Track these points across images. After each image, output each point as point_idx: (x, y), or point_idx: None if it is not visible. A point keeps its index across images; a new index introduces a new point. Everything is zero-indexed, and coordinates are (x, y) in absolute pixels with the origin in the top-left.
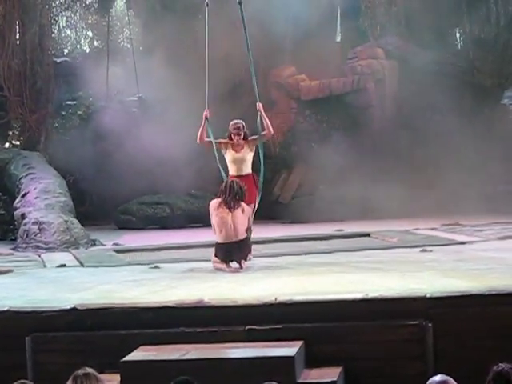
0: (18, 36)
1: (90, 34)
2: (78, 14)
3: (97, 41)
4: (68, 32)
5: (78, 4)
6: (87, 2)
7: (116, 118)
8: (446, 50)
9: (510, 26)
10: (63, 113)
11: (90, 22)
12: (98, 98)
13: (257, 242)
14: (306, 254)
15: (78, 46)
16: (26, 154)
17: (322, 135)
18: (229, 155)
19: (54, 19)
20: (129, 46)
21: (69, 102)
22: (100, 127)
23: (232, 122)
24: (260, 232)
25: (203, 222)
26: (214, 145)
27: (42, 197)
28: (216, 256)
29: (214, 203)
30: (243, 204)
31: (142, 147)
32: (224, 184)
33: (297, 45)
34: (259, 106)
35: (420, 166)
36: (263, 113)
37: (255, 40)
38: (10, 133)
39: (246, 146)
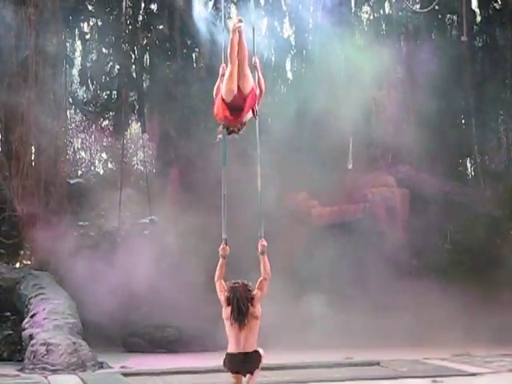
0: (33, 157)
1: (104, 156)
2: (93, 136)
3: (111, 163)
4: (83, 154)
5: (94, 127)
6: (102, 125)
7: (128, 240)
8: (457, 180)
9: None
10: (75, 233)
11: (104, 144)
12: (111, 219)
13: (265, 369)
14: (314, 382)
15: (92, 168)
16: (36, 274)
17: (332, 262)
18: None
19: (70, 141)
20: (142, 168)
21: (81, 223)
22: (112, 249)
23: None
24: (268, 358)
25: (212, 346)
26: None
27: (50, 318)
28: (224, 364)
29: (226, 312)
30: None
31: (153, 270)
32: (229, 293)
33: (309, 171)
34: (256, 60)
35: (431, 294)
36: (259, 69)
37: (267, 164)
38: (22, 252)
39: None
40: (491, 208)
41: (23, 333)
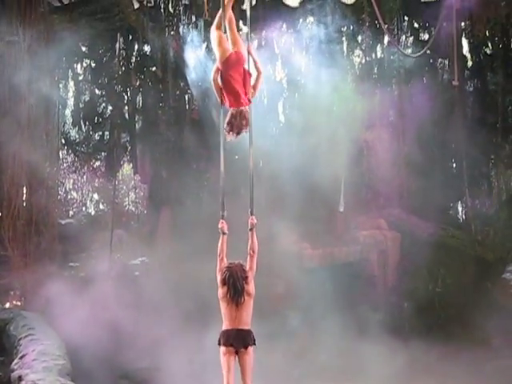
0: (24, 197)
1: (95, 196)
2: (84, 177)
3: (102, 203)
4: (74, 194)
5: (86, 167)
6: (94, 166)
7: (119, 282)
8: (448, 223)
9: (511, 201)
10: (66, 274)
11: (96, 185)
12: (101, 260)
13: None
14: None
15: (84, 209)
16: (26, 315)
17: (322, 304)
18: None
19: (61, 182)
20: (134, 209)
21: (71, 264)
22: (103, 290)
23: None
24: None
25: None
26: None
27: (40, 359)
28: (218, 342)
29: (222, 292)
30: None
31: (144, 312)
32: (225, 273)
33: (300, 213)
34: (249, 45)
35: (420, 337)
36: (252, 54)
37: (258, 206)
38: (12, 293)
39: None
40: (482, 252)
41: (12, 374)
